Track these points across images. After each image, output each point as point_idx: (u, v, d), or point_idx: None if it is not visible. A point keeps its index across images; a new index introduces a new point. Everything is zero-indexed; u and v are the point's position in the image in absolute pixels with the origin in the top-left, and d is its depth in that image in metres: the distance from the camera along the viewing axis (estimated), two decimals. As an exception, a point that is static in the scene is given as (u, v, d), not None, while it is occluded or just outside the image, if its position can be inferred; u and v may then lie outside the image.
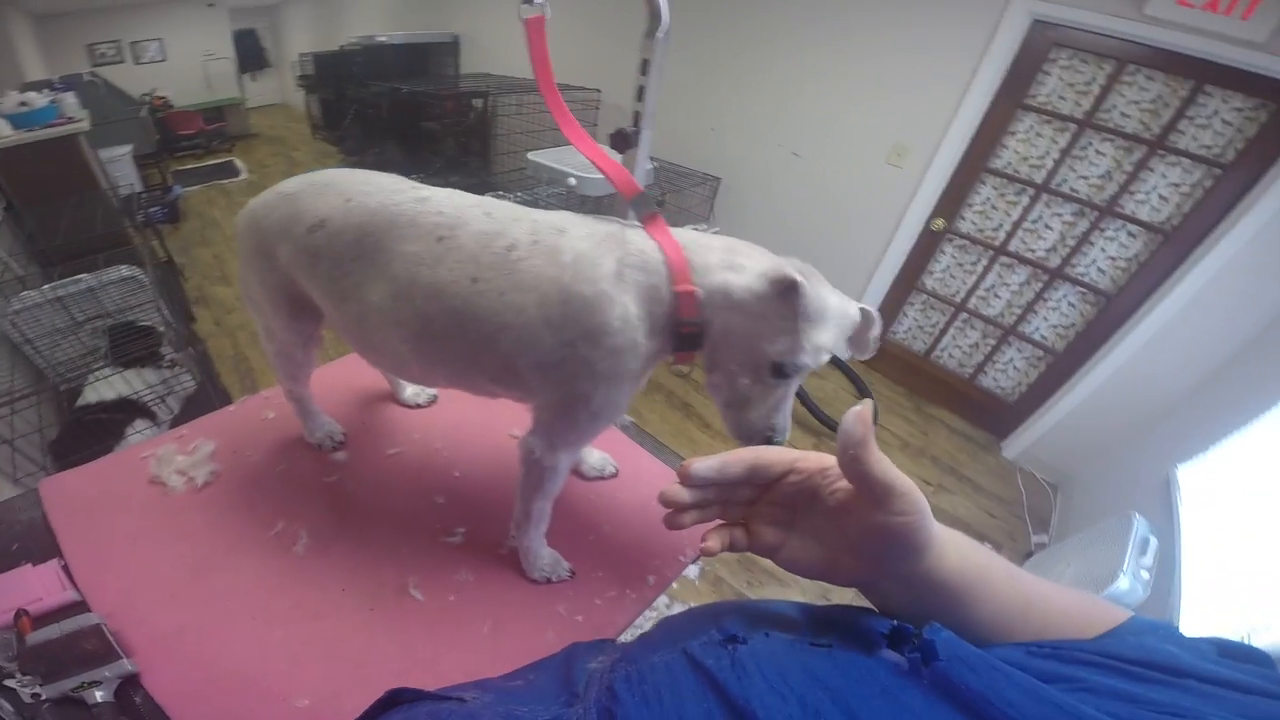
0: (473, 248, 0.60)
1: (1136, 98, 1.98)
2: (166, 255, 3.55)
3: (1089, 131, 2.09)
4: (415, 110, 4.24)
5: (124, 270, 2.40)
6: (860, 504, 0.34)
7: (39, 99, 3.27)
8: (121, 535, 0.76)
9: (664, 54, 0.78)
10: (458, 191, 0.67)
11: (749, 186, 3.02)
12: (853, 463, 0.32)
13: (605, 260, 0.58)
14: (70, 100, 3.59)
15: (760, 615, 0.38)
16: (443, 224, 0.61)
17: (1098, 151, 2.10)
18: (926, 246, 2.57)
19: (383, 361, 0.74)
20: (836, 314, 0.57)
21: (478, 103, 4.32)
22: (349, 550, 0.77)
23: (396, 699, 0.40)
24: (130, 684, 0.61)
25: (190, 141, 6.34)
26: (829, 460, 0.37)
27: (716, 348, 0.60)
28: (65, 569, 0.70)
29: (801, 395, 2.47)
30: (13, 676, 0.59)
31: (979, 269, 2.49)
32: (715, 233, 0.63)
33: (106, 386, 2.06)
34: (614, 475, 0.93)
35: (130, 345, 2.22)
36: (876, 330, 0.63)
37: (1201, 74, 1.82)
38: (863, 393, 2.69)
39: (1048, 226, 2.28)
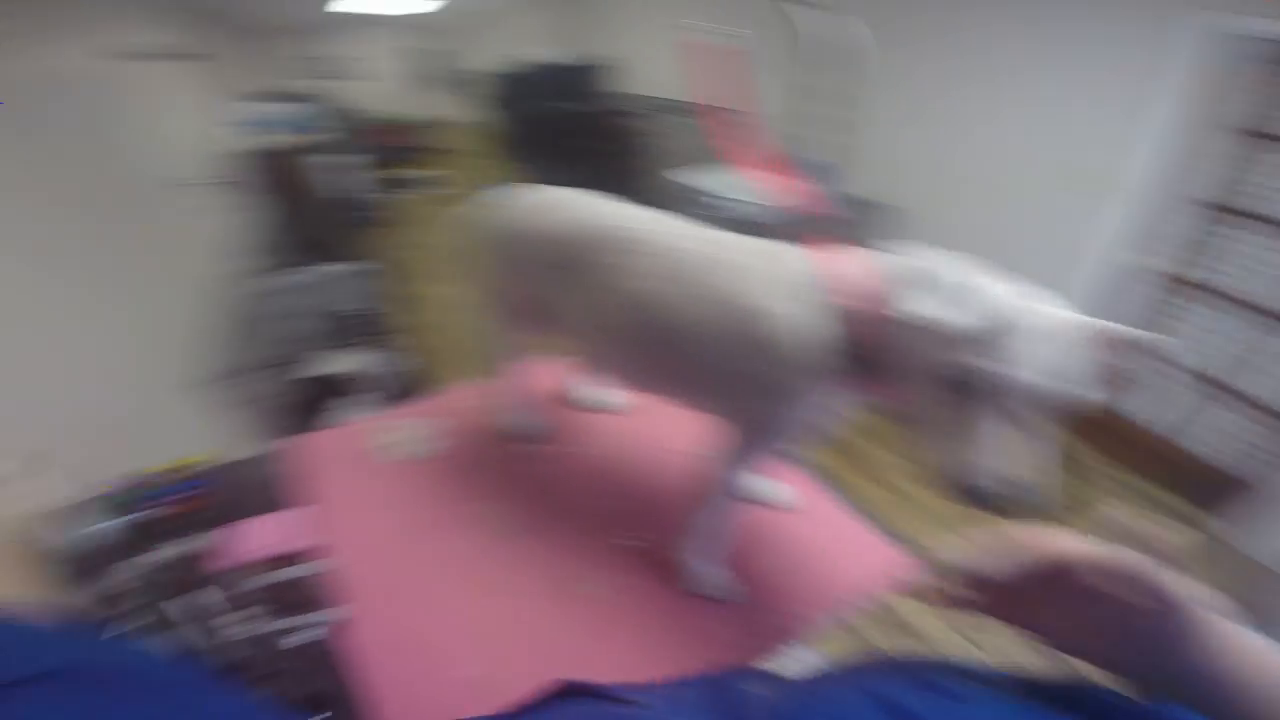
0: (661, 263, 0.66)
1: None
2: (382, 254, 4.17)
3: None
4: (582, 130, 4.50)
5: (351, 265, 2.86)
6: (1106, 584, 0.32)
7: (268, 108, 3.90)
8: (346, 496, 0.89)
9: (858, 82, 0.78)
10: (657, 212, 0.75)
11: (926, 212, 2.78)
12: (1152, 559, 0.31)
13: (778, 277, 0.60)
14: (304, 111, 4.28)
15: (969, 673, 0.35)
16: (637, 240, 0.69)
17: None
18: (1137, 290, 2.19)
19: (587, 359, 0.83)
20: (1024, 316, 0.49)
21: (642, 123, 4.44)
22: (535, 539, 0.84)
23: (567, 691, 0.40)
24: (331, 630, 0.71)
25: (401, 153, 7.31)
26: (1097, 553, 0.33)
27: (902, 365, 0.56)
28: (297, 521, 0.84)
29: None
30: (245, 609, 0.72)
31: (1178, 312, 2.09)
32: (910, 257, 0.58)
33: (331, 363, 2.48)
34: (789, 509, 0.92)
35: (352, 330, 2.65)
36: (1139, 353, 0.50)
37: None
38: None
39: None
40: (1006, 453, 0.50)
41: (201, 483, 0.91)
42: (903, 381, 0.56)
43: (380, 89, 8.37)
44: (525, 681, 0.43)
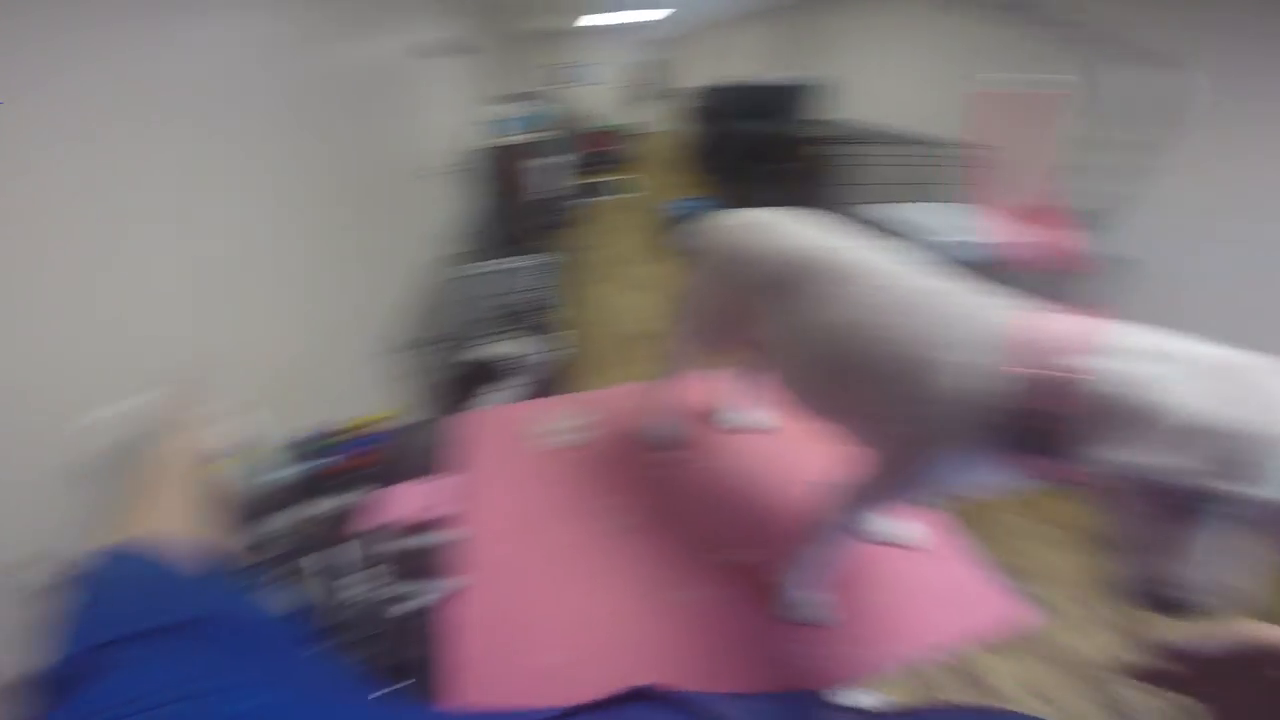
0: (858, 297, 0.66)
1: None
2: (570, 251, 4.53)
3: None
4: (777, 149, 4.42)
5: (539, 258, 3.13)
6: None
7: (520, 109, 4.38)
8: (491, 472, 0.97)
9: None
10: (867, 244, 0.74)
11: (1177, 273, 2.28)
12: None
13: (967, 330, 0.56)
14: (539, 111, 4.75)
15: None
16: (842, 273, 0.69)
17: None
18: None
19: (775, 377, 0.83)
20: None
21: (840, 149, 4.27)
22: (646, 540, 0.86)
23: (641, 694, 0.40)
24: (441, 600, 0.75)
25: (603, 157, 7.87)
26: None
27: (1096, 454, 0.46)
28: (442, 490, 0.91)
29: None
30: (373, 569, 0.77)
31: None
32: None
33: (498, 347, 2.74)
34: (916, 547, 0.87)
35: (522, 318, 2.91)
36: None
37: None
38: None
39: None
40: (1217, 566, 0.43)
41: (371, 441, 1.01)
42: (1093, 477, 0.48)
43: (600, 97, 9.10)
44: (600, 676, 0.45)
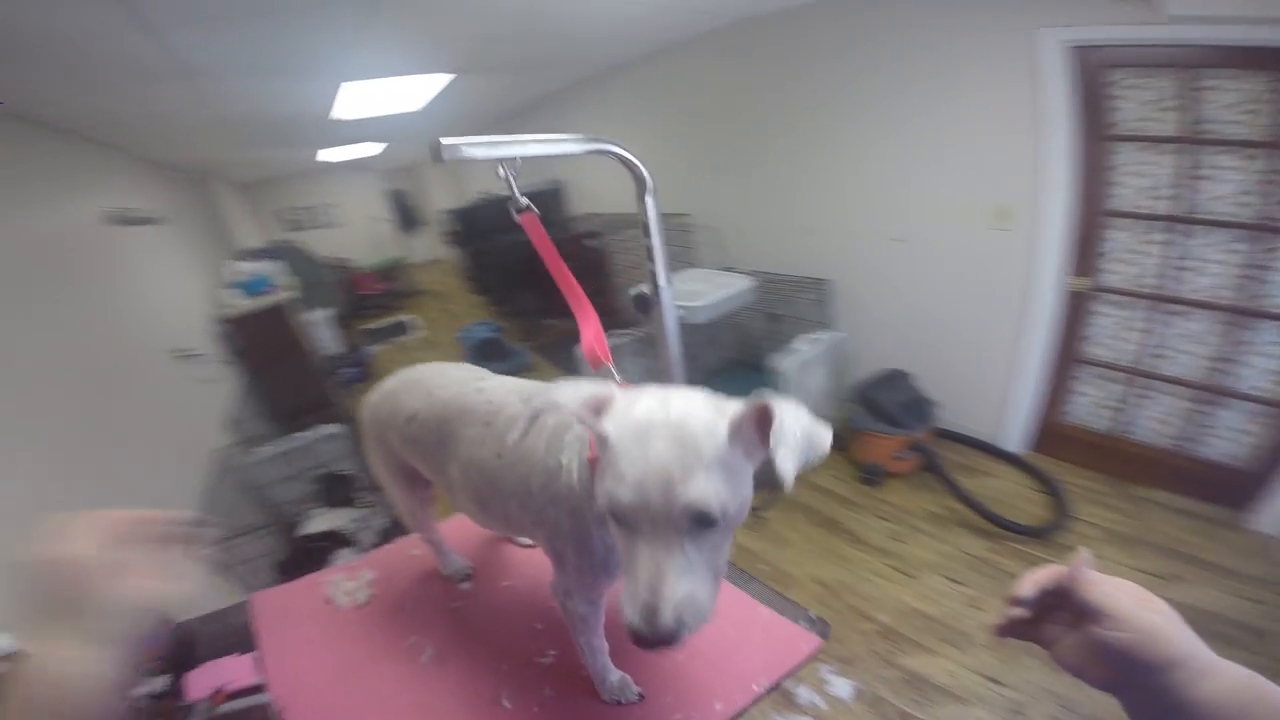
0: (501, 429, 0.72)
1: (1228, 101, 1.81)
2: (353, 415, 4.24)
3: (1198, 148, 1.90)
4: (537, 257, 4.73)
5: (329, 429, 2.92)
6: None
7: (257, 267, 3.95)
8: (298, 638, 0.97)
9: (658, 212, 0.87)
10: (512, 379, 0.82)
11: (860, 283, 2.99)
12: (1073, 592, 0.42)
13: (569, 433, 0.66)
14: (277, 268, 4.27)
15: None
16: (490, 411, 0.75)
17: (1218, 167, 1.89)
18: (1074, 310, 2.33)
19: (468, 514, 0.87)
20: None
21: (591, 243, 4.61)
22: (460, 664, 0.90)
23: None
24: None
25: (371, 301, 7.46)
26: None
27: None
28: (257, 660, 0.91)
29: (965, 496, 2.28)
30: None
31: (1146, 324, 2.20)
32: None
33: (319, 521, 2.50)
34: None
35: (335, 489, 2.70)
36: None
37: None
38: (1043, 483, 2.38)
39: (1207, 262, 2.01)
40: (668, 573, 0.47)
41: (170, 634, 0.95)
42: None
43: (353, 235, 8.78)
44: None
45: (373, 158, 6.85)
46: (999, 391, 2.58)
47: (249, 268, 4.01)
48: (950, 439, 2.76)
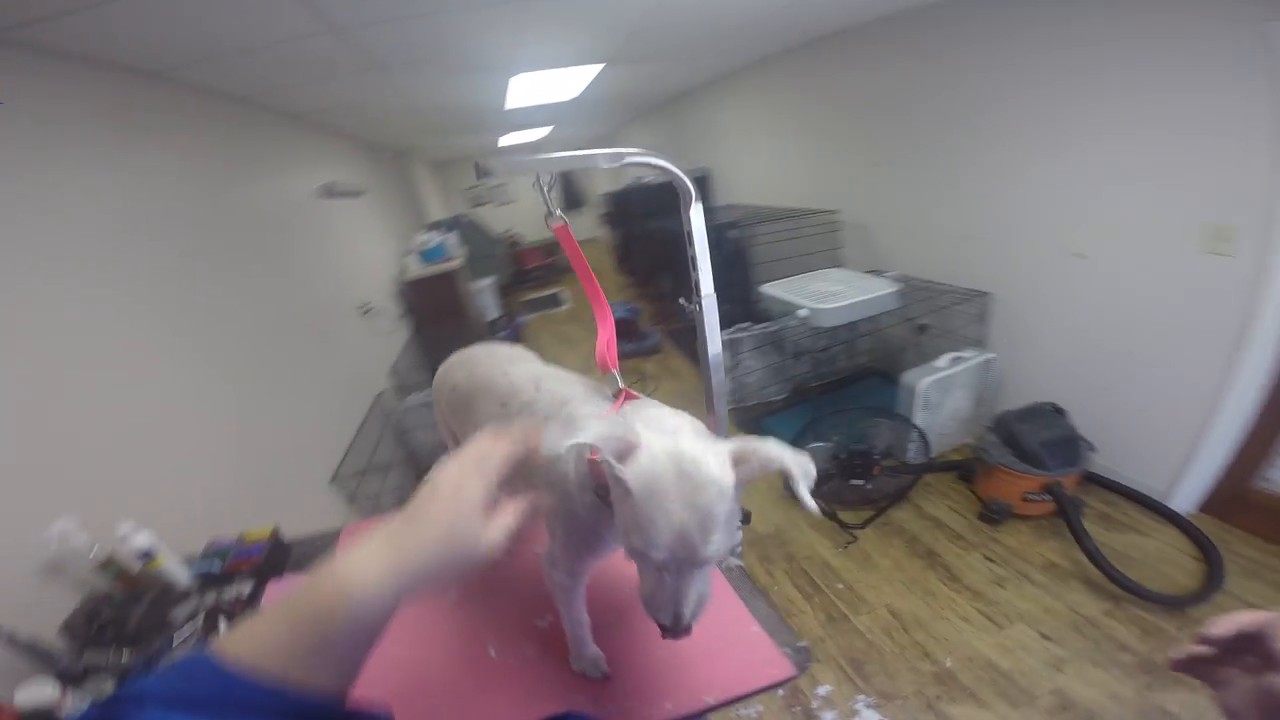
0: (514, 411, 0.79)
1: None
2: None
3: None
4: (677, 243, 4.78)
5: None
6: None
7: (434, 238, 4.48)
8: None
9: (701, 220, 0.85)
10: (535, 367, 0.87)
11: (1027, 300, 2.61)
12: (1271, 639, 0.41)
13: (580, 429, 0.68)
14: (453, 239, 4.80)
15: None
16: (508, 392, 0.82)
17: None
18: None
19: None
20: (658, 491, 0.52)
21: (732, 233, 4.67)
22: (469, 610, 0.98)
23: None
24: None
25: (532, 274, 8.21)
26: None
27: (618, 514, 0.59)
28: None
29: (1089, 547, 1.96)
30: None
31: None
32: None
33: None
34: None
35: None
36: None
37: None
38: (1202, 548, 1.98)
39: None
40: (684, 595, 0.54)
41: (252, 550, 1.17)
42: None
43: (524, 212, 9.73)
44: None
45: (542, 140, 7.40)
46: (1180, 442, 2.13)
47: (430, 238, 4.56)
48: (1103, 486, 2.38)
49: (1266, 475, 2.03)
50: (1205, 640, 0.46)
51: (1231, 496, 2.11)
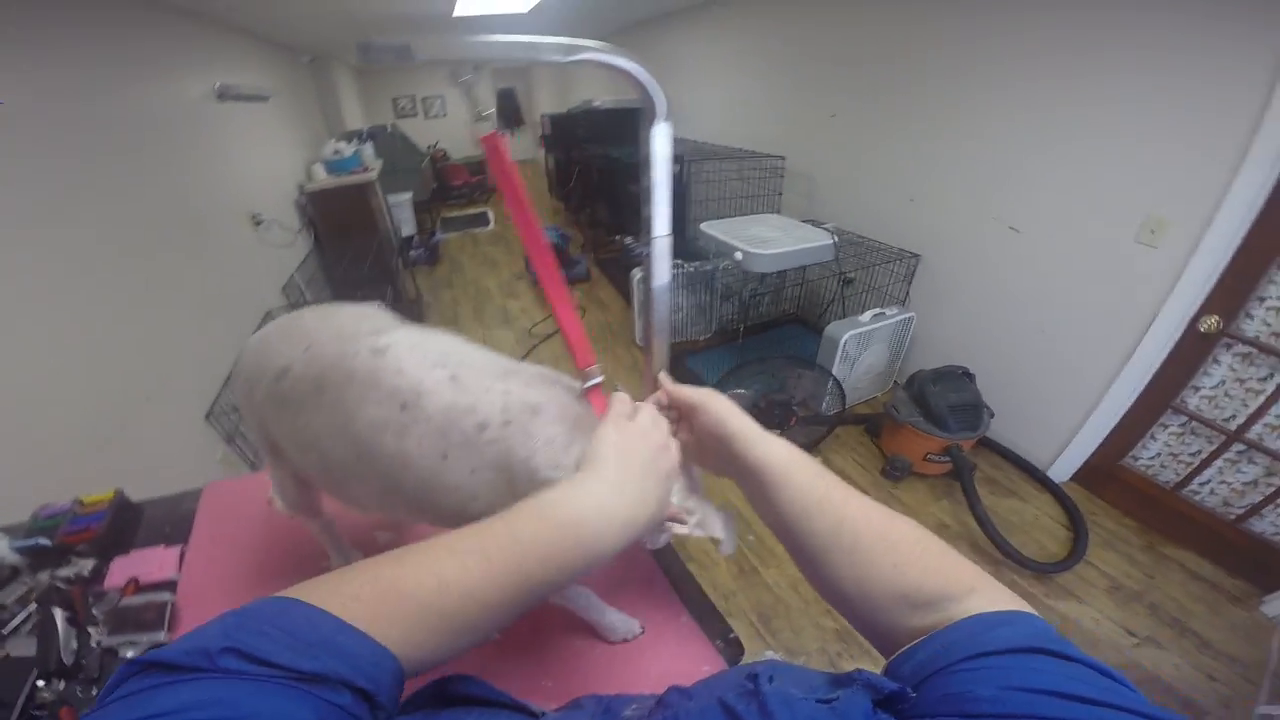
0: (440, 422, 0.58)
1: None
2: (417, 293, 4.39)
3: None
4: (621, 173, 4.59)
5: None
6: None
7: (348, 148, 4.15)
8: (229, 538, 0.95)
9: (668, 144, 0.62)
10: (419, 340, 0.64)
11: (954, 265, 2.64)
12: (675, 400, 0.56)
13: (575, 445, 0.58)
14: (368, 151, 4.47)
15: (788, 672, 0.38)
16: (404, 389, 0.59)
17: None
18: (1192, 353, 1.95)
19: (347, 502, 0.72)
20: None
21: (677, 168, 4.54)
22: None
23: (455, 694, 0.40)
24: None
25: (458, 192, 7.69)
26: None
27: None
28: (181, 554, 0.92)
29: (981, 516, 2.08)
30: (96, 625, 0.79)
31: (1270, 387, 1.84)
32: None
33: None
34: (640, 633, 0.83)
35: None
36: None
37: None
38: (1072, 519, 2.18)
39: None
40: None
41: (89, 520, 0.97)
42: None
43: (456, 127, 8.99)
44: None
45: (489, 58, 6.79)
46: (1069, 416, 2.28)
47: (343, 148, 4.13)
48: (994, 451, 2.54)
49: (1135, 455, 2.22)
50: (661, 402, 0.57)
51: (1102, 472, 2.29)
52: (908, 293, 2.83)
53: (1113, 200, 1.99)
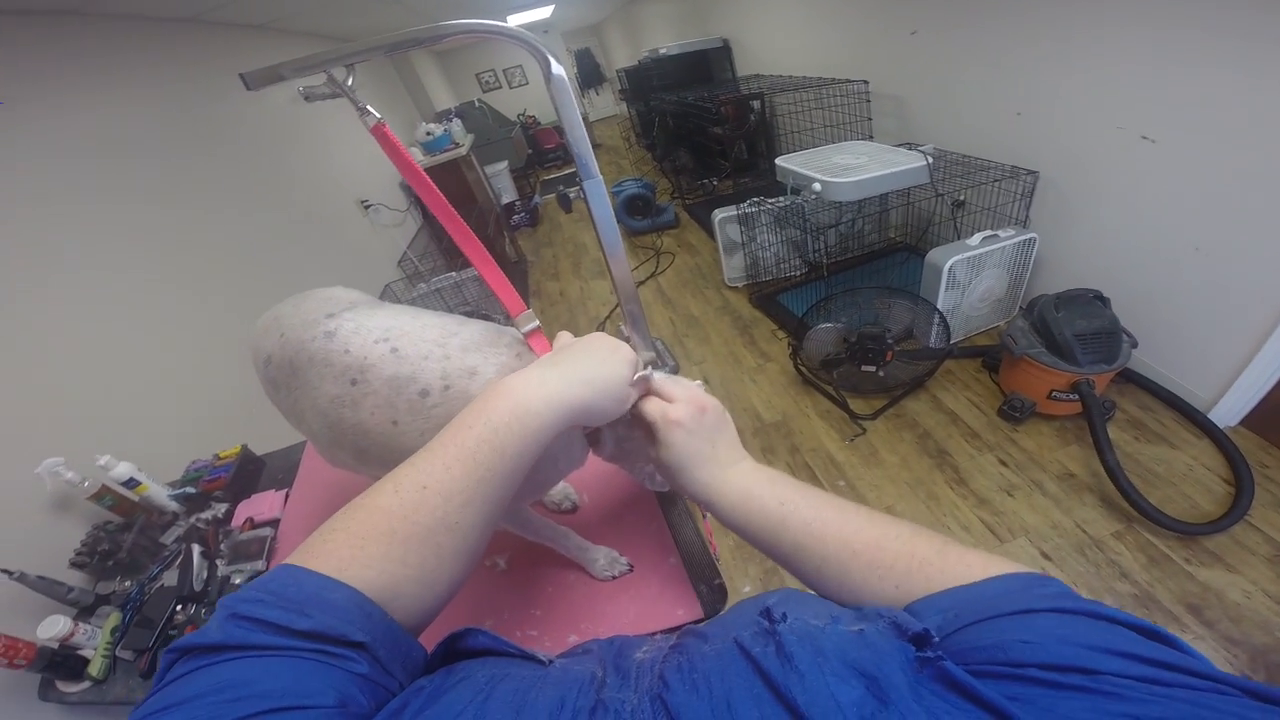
0: (386, 393, 0.62)
1: None
2: (519, 255, 4.62)
3: None
4: (700, 116, 4.42)
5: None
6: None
7: (438, 128, 4.35)
8: (324, 482, 1.10)
9: (568, 99, 0.57)
10: (364, 319, 0.68)
11: (1079, 181, 2.27)
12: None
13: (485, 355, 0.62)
14: (457, 127, 4.64)
15: (803, 602, 0.38)
16: (352, 366, 0.64)
17: None
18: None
19: (339, 466, 0.79)
20: None
21: (756, 104, 4.27)
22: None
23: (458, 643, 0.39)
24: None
25: (552, 154, 7.87)
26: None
27: None
28: (286, 497, 1.09)
29: (1111, 464, 1.78)
30: (222, 556, 0.98)
31: None
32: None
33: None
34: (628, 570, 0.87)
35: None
36: None
37: None
38: (1236, 473, 1.79)
39: None
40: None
41: (229, 467, 1.20)
42: None
43: (541, 93, 9.15)
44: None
45: (548, 20, 6.85)
46: (1237, 346, 1.87)
47: (433, 129, 4.36)
48: (1141, 387, 2.15)
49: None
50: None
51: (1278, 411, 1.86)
52: (1028, 213, 2.50)
53: (1268, 101, 1.58)
